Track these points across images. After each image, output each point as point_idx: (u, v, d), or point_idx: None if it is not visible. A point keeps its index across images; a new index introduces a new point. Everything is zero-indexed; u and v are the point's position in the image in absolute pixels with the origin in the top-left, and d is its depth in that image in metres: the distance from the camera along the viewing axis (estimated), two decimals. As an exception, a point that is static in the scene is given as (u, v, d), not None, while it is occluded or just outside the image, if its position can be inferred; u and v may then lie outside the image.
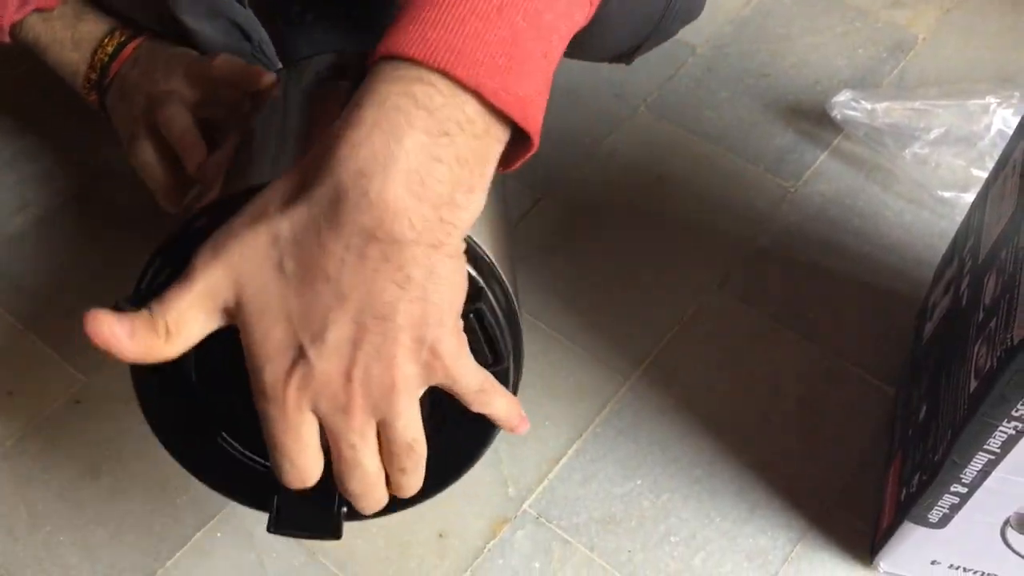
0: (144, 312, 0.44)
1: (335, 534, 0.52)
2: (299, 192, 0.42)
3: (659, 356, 0.79)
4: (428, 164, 0.41)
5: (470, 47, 0.41)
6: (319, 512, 0.51)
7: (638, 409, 0.76)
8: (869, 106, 0.88)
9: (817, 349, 0.79)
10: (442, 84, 0.41)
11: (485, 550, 0.70)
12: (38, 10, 0.73)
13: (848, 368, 0.78)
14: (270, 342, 0.43)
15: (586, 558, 0.70)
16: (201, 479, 0.57)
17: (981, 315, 0.55)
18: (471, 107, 0.42)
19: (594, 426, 0.76)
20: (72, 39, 0.74)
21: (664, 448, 0.75)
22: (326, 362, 0.43)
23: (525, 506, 0.72)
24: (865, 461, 0.73)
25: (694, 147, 0.92)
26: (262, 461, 0.54)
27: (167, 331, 0.43)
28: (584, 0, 0.46)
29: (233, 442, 0.55)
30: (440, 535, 0.70)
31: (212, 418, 0.54)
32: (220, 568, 0.69)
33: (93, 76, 0.75)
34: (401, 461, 0.47)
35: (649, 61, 0.98)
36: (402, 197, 0.40)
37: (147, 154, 0.70)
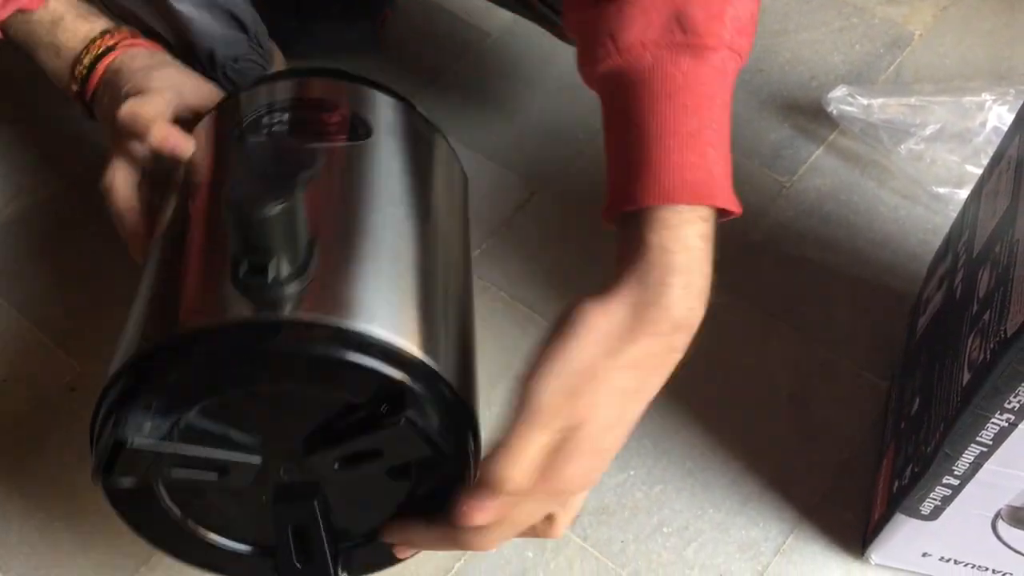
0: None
1: None
2: (638, 326, 0.51)
3: (653, 348, 0.79)
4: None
5: (716, 176, 0.53)
6: None
7: (632, 401, 0.77)
8: (865, 102, 0.89)
9: (810, 343, 0.79)
10: (711, 214, 0.53)
11: (478, 540, 0.70)
12: (20, 11, 0.71)
13: (840, 362, 0.79)
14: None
15: (579, 548, 0.70)
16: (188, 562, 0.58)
17: (975, 308, 0.56)
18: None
19: (588, 417, 0.76)
20: (53, 46, 0.72)
21: (657, 440, 0.75)
22: None
23: (519, 496, 0.72)
24: (857, 454, 0.74)
25: (690, 141, 0.92)
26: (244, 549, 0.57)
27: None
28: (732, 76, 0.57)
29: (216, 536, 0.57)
30: (434, 524, 0.70)
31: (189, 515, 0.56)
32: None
33: (75, 88, 0.72)
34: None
35: (646, 55, 0.98)
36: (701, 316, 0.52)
37: (116, 195, 0.67)
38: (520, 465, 0.49)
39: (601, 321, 0.50)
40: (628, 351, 0.50)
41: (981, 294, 0.55)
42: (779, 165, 0.90)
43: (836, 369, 0.78)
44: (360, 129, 0.61)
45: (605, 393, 0.50)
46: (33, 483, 0.72)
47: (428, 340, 0.53)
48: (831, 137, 0.92)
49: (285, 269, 0.49)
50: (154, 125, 0.64)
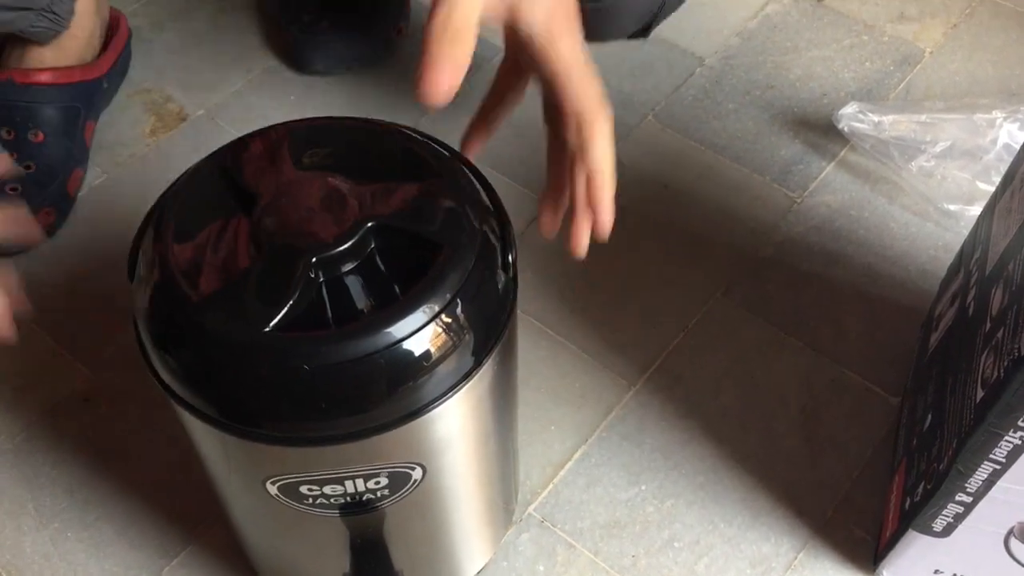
0: None
1: None
2: None
3: (664, 363, 0.79)
4: None
5: None
6: None
7: (642, 415, 0.77)
8: (876, 119, 0.89)
9: (821, 358, 0.80)
10: None
11: (490, 553, 0.70)
12: None
13: (852, 377, 0.79)
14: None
15: (590, 562, 0.70)
16: None
17: (988, 326, 0.56)
18: None
19: (599, 431, 0.76)
20: None
21: (668, 454, 0.75)
22: None
23: (530, 510, 0.72)
24: (868, 470, 0.74)
25: (700, 157, 0.93)
26: None
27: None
28: None
29: None
30: (445, 537, 0.71)
31: None
32: (227, 565, 0.69)
33: None
34: None
35: (656, 71, 0.99)
36: None
37: None
38: None
39: None
40: None
41: (994, 312, 0.56)
42: (790, 181, 0.91)
43: (847, 384, 0.78)
44: None
45: None
46: (46, 493, 0.72)
47: None
48: (842, 153, 0.92)
49: None
50: None
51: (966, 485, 0.56)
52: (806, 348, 0.80)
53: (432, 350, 0.46)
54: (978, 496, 0.56)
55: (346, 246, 0.46)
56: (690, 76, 0.99)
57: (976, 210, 0.84)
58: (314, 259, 0.46)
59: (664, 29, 1.01)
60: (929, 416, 0.64)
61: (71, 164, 0.87)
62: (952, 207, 0.86)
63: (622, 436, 0.76)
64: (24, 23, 0.83)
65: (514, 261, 0.51)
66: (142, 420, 0.75)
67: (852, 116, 0.90)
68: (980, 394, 0.53)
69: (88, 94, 0.90)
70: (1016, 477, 0.54)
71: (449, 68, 0.43)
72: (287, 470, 0.49)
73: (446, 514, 0.58)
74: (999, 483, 0.55)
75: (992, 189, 0.79)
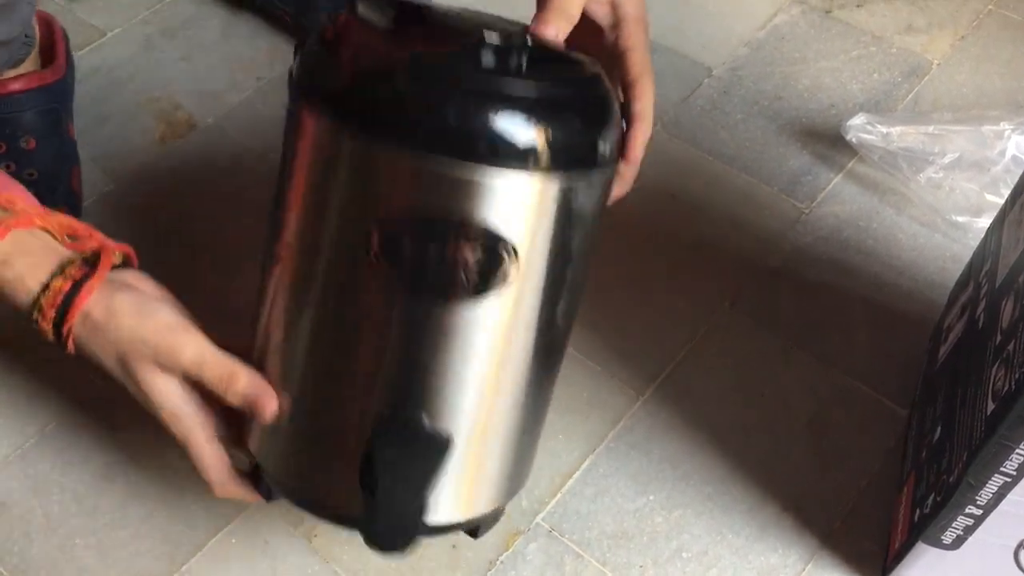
0: None
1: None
2: None
3: (672, 373, 0.80)
4: None
5: None
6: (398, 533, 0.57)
7: (650, 425, 0.77)
8: (884, 130, 0.89)
9: (828, 369, 0.80)
10: None
11: (498, 562, 0.70)
12: None
13: (859, 388, 0.79)
14: None
15: (598, 572, 0.70)
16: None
17: (999, 338, 0.56)
18: None
19: (607, 441, 0.76)
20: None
21: (676, 464, 0.75)
22: None
23: (538, 519, 0.72)
24: (876, 481, 0.74)
25: (709, 167, 0.93)
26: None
27: None
28: None
29: None
30: (453, 546, 0.71)
31: None
32: (234, 574, 0.69)
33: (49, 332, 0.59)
34: None
35: (665, 81, 0.99)
36: None
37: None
38: None
39: None
40: None
41: (1005, 324, 0.56)
42: (798, 191, 0.91)
43: (855, 395, 0.78)
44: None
45: None
46: (55, 499, 0.73)
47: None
48: (850, 164, 0.93)
49: None
50: (215, 378, 0.57)
51: (976, 498, 0.56)
52: (814, 359, 0.80)
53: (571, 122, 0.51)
54: (988, 509, 0.56)
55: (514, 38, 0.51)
56: (698, 86, 0.99)
57: (984, 222, 0.84)
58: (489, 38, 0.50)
59: (672, 39, 1.01)
60: (939, 428, 0.64)
61: (69, 163, 0.89)
62: (960, 219, 0.87)
63: (630, 446, 0.76)
64: (12, 56, 0.85)
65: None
66: (154, 428, 0.75)
67: (860, 127, 0.90)
68: (991, 406, 0.53)
69: (62, 94, 0.91)
70: (1026, 490, 0.54)
71: (563, 22, 0.57)
72: (399, 201, 0.51)
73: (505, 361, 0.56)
74: (1009, 496, 0.55)
75: (1000, 201, 0.79)
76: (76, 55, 0.97)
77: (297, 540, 0.71)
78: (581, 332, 0.81)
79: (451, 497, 0.57)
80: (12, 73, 0.88)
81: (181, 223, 0.87)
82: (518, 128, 0.49)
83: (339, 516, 0.58)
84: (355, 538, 0.63)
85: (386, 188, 0.51)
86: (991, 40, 1.03)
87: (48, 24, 0.94)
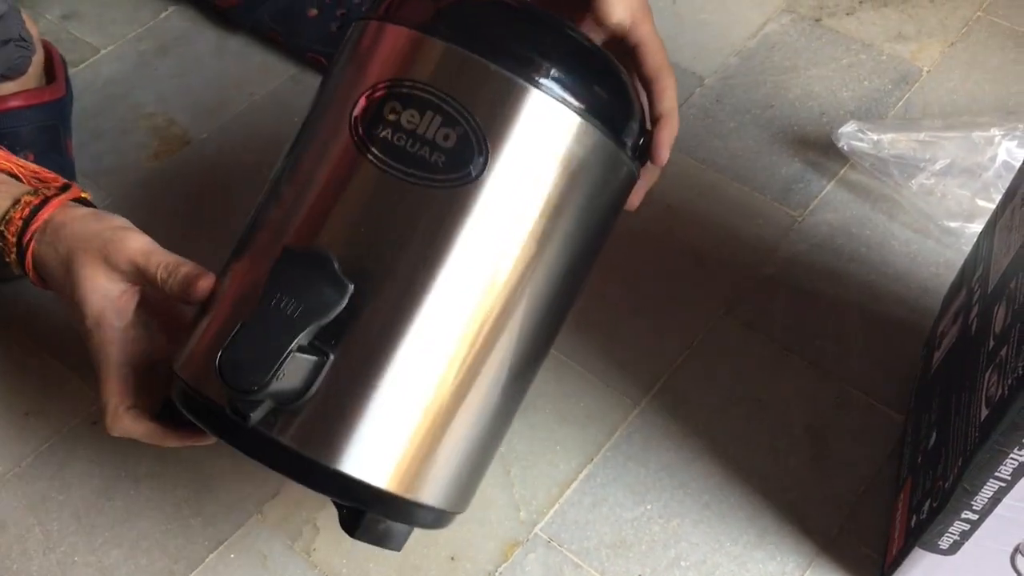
0: None
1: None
2: None
3: (668, 382, 0.80)
4: None
5: None
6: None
7: (647, 434, 0.77)
8: (875, 137, 0.90)
9: (824, 376, 0.80)
10: None
11: (496, 573, 0.70)
12: None
13: (855, 395, 0.79)
14: None
15: (597, 582, 0.70)
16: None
17: (992, 344, 0.56)
18: None
19: (604, 450, 0.76)
20: None
21: (673, 473, 0.75)
22: None
23: (536, 530, 0.72)
24: (873, 486, 0.74)
25: (702, 176, 0.93)
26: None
27: None
28: None
29: None
30: (452, 558, 0.71)
31: None
32: (233, 590, 0.70)
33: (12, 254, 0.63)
34: None
35: (657, 91, 1.00)
36: None
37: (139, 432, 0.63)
38: None
39: None
40: None
41: (997, 330, 0.56)
42: (791, 199, 0.91)
43: (851, 402, 0.79)
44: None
45: None
46: (53, 517, 0.73)
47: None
48: (842, 172, 0.93)
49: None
50: (161, 264, 0.58)
51: (972, 503, 0.56)
52: (810, 366, 0.81)
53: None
54: (984, 513, 0.57)
55: None
56: (690, 96, 1.00)
57: (976, 227, 0.84)
58: None
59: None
60: (934, 434, 0.64)
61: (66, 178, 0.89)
62: (952, 224, 0.87)
63: (627, 456, 0.76)
64: (8, 60, 0.85)
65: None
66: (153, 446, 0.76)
67: (851, 135, 0.90)
68: (984, 412, 0.53)
69: (60, 112, 0.92)
70: (1022, 494, 0.54)
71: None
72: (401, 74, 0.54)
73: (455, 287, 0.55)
74: (1005, 500, 0.55)
75: (992, 207, 0.79)
76: (71, 72, 0.98)
77: (296, 555, 0.71)
78: (577, 342, 0.82)
79: (381, 452, 0.54)
80: (14, 88, 0.89)
81: (176, 237, 0.87)
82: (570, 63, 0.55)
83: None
84: (356, 551, 0.63)
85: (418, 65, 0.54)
86: (981, 47, 1.04)
87: (48, 49, 0.94)
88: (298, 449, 0.53)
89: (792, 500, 0.74)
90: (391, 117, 0.53)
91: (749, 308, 0.84)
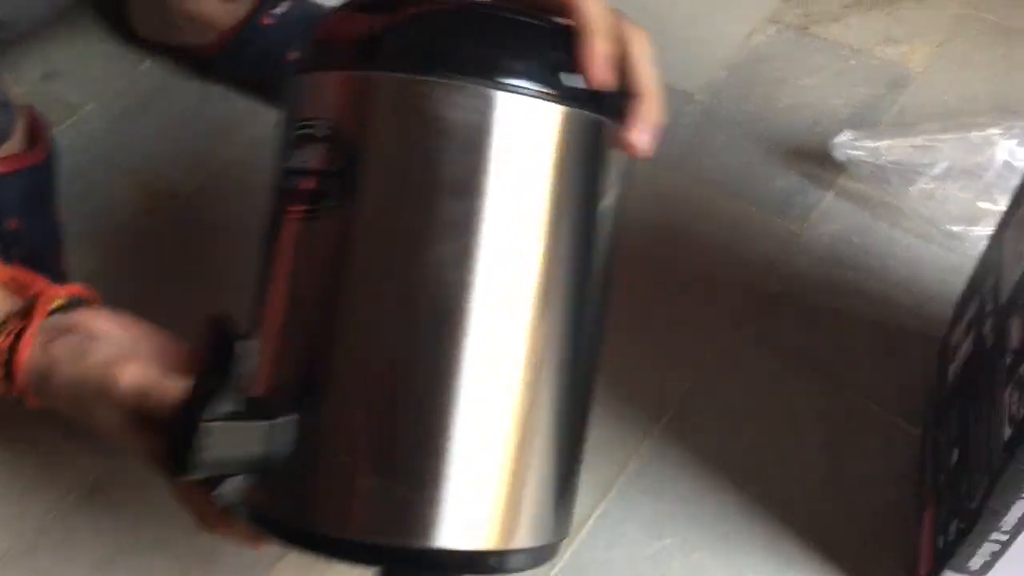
0: None
1: None
2: None
3: (678, 409, 0.78)
4: None
5: None
6: None
7: (660, 466, 0.75)
8: (872, 144, 0.88)
9: (838, 391, 0.78)
10: None
11: (516, 621, 0.69)
12: None
13: (870, 408, 0.77)
14: None
15: (619, 624, 0.68)
16: None
17: (1009, 359, 0.54)
18: None
19: (617, 486, 0.75)
20: None
21: (688, 503, 0.74)
22: None
23: (553, 573, 0.70)
24: (894, 504, 0.72)
25: (698, 194, 0.92)
26: None
27: None
28: None
29: None
30: (469, 608, 0.69)
31: None
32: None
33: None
34: None
35: (647, 111, 0.98)
36: None
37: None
38: None
39: None
40: None
41: (1015, 344, 0.54)
42: (789, 213, 0.90)
43: (866, 417, 0.77)
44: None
45: None
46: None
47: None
48: (839, 181, 0.91)
49: None
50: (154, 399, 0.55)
51: (1000, 524, 0.54)
52: (822, 382, 0.79)
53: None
54: (1015, 533, 0.55)
55: None
56: (680, 113, 0.98)
57: (980, 230, 0.83)
58: None
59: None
60: (955, 452, 0.62)
61: (52, 242, 0.88)
62: (956, 228, 0.85)
63: (640, 490, 0.74)
64: None
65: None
66: (150, 509, 0.74)
67: (848, 143, 0.89)
68: (1008, 432, 0.52)
69: (45, 174, 0.91)
70: (1052, 513, 0.53)
71: None
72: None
73: None
74: (1034, 519, 0.54)
75: (994, 208, 0.78)
76: (55, 131, 0.96)
77: (309, 615, 0.69)
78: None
79: (472, 512, 0.50)
80: None
81: (172, 293, 0.86)
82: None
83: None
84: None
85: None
86: (971, 44, 1.03)
87: (30, 113, 0.93)
88: (387, 541, 0.49)
89: (813, 522, 0.72)
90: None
91: (756, 326, 0.83)
